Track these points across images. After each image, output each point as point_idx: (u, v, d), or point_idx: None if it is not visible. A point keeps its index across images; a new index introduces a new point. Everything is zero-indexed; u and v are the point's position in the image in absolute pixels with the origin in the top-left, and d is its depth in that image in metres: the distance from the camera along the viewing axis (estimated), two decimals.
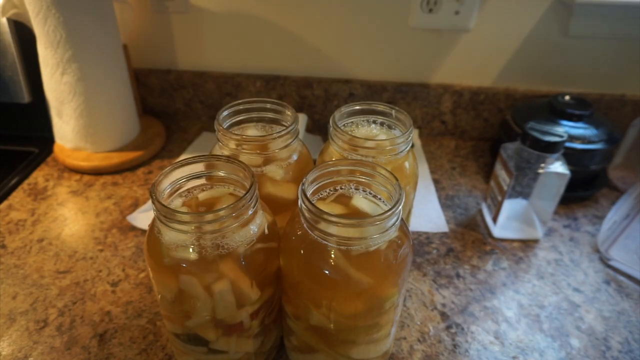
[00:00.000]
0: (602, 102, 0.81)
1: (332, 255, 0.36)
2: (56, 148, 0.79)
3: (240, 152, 0.46)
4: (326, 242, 0.36)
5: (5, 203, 0.69)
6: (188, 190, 0.42)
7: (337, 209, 0.40)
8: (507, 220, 0.65)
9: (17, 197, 0.70)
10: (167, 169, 0.39)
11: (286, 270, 0.40)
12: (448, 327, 0.52)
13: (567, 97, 0.73)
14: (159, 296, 0.41)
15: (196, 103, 0.91)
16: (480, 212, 0.70)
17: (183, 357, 0.45)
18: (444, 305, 0.55)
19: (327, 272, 0.37)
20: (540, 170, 0.60)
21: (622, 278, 0.59)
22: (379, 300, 0.38)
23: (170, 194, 0.40)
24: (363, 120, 0.51)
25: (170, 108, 0.93)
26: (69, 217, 0.67)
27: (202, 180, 0.42)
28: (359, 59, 0.84)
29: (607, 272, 0.60)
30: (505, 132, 0.77)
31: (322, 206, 0.36)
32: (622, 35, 0.76)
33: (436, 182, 0.77)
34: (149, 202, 0.68)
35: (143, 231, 0.64)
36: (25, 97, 0.77)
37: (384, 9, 0.78)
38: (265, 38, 0.84)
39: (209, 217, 0.35)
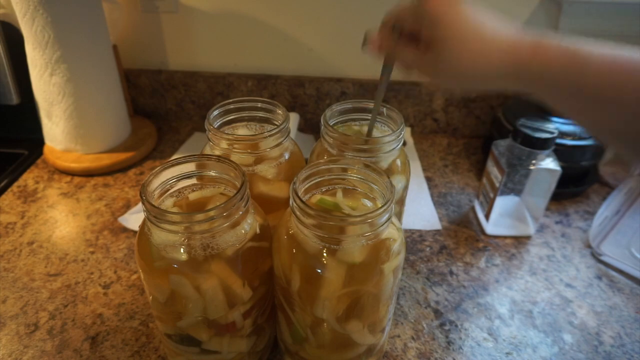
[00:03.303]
0: None
1: (324, 254, 0.36)
2: (46, 150, 0.78)
3: (232, 152, 0.46)
4: (317, 241, 0.36)
5: None
6: (179, 190, 0.41)
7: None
8: (500, 217, 0.65)
9: (7, 199, 0.70)
10: (157, 169, 0.38)
11: (278, 270, 0.40)
12: (442, 324, 0.52)
13: None
14: (151, 297, 0.40)
15: (187, 103, 0.91)
16: (472, 209, 0.70)
17: (176, 358, 0.44)
18: (437, 302, 0.55)
19: (319, 270, 0.37)
20: (532, 167, 0.60)
21: (613, 273, 0.60)
22: (373, 298, 0.38)
23: (161, 195, 0.40)
24: (355, 119, 0.51)
25: (161, 108, 0.92)
26: (60, 219, 0.66)
27: (193, 180, 0.42)
28: (351, 58, 0.84)
29: (599, 267, 0.61)
30: (496, 130, 0.77)
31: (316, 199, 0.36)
32: (611, 32, 0.77)
33: (429, 179, 0.77)
34: (141, 203, 0.68)
35: (135, 232, 0.64)
36: (14, 99, 0.76)
37: (374, 7, 0.78)
38: (257, 37, 0.84)
39: (199, 217, 0.34)
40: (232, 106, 0.49)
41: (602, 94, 0.34)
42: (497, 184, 0.62)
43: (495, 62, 0.37)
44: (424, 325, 0.52)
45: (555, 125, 0.61)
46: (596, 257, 0.62)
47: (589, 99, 0.35)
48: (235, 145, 0.46)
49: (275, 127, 0.46)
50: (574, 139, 0.68)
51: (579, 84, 0.34)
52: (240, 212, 0.37)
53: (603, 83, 0.33)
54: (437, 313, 0.54)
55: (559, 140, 0.67)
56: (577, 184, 0.72)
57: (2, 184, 0.73)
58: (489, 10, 0.38)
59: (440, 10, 0.37)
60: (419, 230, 0.66)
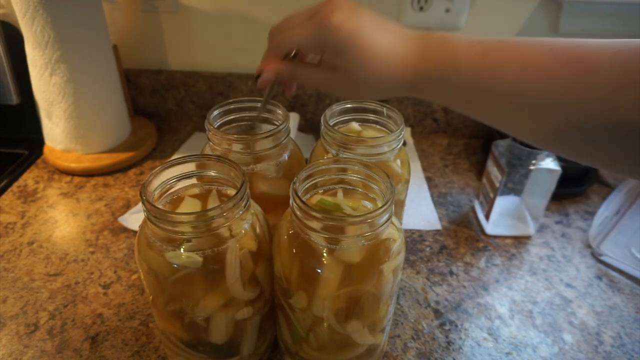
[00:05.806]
0: None
1: (324, 254, 0.36)
2: (46, 150, 0.78)
3: (232, 152, 0.46)
4: (317, 241, 0.36)
5: None
6: (179, 190, 0.41)
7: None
8: (500, 217, 0.65)
9: (7, 199, 0.70)
10: (156, 169, 0.38)
11: (278, 270, 0.40)
12: (442, 324, 0.52)
13: None
14: (151, 297, 0.40)
15: (187, 103, 0.91)
16: (472, 209, 0.70)
17: (176, 358, 0.44)
18: (437, 302, 0.55)
19: (319, 270, 0.37)
20: (532, 167, 0.60)
21: (613, 273, 0.60)
22: (373, 298, 0.38)
23: (161, 195, 0.40)
24: (355, 119, 0.51)
25: (161, 108, 0.92)
26: (60, 219, 0.66)
27: (193, 180, 0.42)
28: None
29: (599, 267, 0.61)
30: (497, 130, 0.77)
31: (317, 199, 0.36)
32: (612, 32, 0.77)
33: (429, 179, 0.77)
34: (141, 203, 0.68)
35: (135, 232, 0.64)
36: (14, 99, 0.76)
37: (374, 7, 0.78)
38: (256, 37, 0.84)
39: (199, 217, 0.34)
40: (232, 106, 0.49)
41: (480, 90, 0.35)
42: (497, 184, 0.62)
43: (397, 75, 0.38)
44: (424, 325, 0.52)
45: None
46: (596, 257, 0.62)
47: (474, 96, 0.36)
48: (235, 145, 0.46)
49: (275, 127, 0.46)
50: None
51: (456, 82, 0.36)
52: (241, 212, 0.37)
53: (478, 77, 0.34)
54: (437, 313, 0.54)
55: None
56: (577, 184, 0.72)
57: (2, 184, 0.73)
58: (378, 14, 0.41)
59: (343, 33, 0.38)
60: (419, 230, 0.66)
